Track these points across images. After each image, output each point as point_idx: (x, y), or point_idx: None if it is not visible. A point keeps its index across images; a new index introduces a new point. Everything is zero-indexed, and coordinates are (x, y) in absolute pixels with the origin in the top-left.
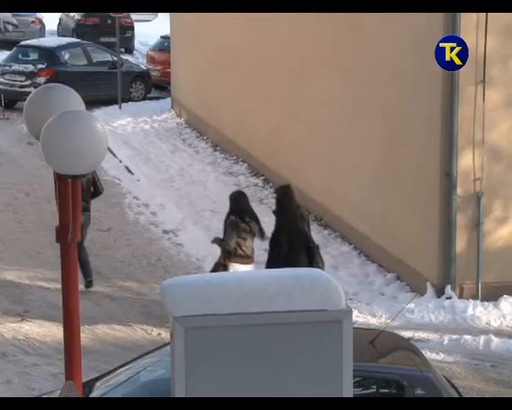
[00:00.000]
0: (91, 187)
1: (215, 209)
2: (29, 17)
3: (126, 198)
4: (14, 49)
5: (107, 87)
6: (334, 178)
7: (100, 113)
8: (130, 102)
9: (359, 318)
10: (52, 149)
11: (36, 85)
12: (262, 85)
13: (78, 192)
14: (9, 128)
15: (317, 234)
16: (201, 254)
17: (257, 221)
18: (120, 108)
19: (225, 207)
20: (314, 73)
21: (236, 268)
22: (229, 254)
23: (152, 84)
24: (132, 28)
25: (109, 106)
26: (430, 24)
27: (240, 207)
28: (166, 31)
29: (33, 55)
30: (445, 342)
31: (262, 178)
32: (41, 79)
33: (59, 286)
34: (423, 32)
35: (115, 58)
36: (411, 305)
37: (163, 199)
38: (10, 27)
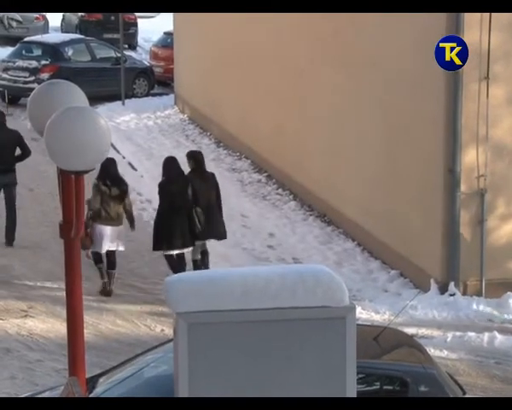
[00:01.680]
0: (16, 149)
1: None
2: (33, 14)
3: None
4: (18, 45)
5: (111, 83)
6: (337, 174)
7: (103, 109)
8: (133, 99)
9: (363, 314)
10: (55, 145)
11: (39, 81)
12: (265, 82)
13: (81, 188)
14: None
15: (320, 230)
16: None
17: (121, 187)
18: (124, 104)
19: (229, 203)
20: (317, 69)
21: (101, 229)
22: (94, 216)
23: (155, 80)
24: (136, 25)
25: (112, 102)
26: (433, 21)
27: (105, 173)
28: (170, 27)
29: (37, 52)
30: (449, 339)
31: (265, 174)
32: (44, 75)
33: (62, 282)
34: (426, 29)
35: (118, 54)
36: (415, 302)
37: None
38: (14, 23)
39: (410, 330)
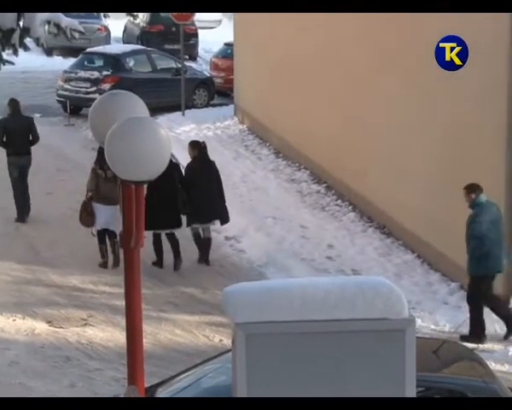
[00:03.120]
0: (29, 135)
1: (277, 216)
2: (95, 24)
3: None
4: (80, 56)
5: (171, 94)
6: (396, 185)
7: (163, 119)
8: (193, 109)
9: (422, 327)
10: (116, 155)
11: (101, 92)
12: (324, 91)
13: (141, 198)
14: (75, 134)
15: (379, 242)
16: (263, 260)
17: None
18: (184, 114)
19: (288, 214)
20: (377, 79)
21: (97, 207)
22: (92, 196)
23: (215, 90)
24: (196, 35)
25: (173, 112)
26: (496, 27)
27: (101, 158)
28: (230, 38)
29: (99, 62)
30: (510, 353)
31: (324, 185)
32: (106, 86)
33: (122, 291)
34: (488, 36)
35: (179, 65)
36: None
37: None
38: (77, 34)
39: (470, 344)
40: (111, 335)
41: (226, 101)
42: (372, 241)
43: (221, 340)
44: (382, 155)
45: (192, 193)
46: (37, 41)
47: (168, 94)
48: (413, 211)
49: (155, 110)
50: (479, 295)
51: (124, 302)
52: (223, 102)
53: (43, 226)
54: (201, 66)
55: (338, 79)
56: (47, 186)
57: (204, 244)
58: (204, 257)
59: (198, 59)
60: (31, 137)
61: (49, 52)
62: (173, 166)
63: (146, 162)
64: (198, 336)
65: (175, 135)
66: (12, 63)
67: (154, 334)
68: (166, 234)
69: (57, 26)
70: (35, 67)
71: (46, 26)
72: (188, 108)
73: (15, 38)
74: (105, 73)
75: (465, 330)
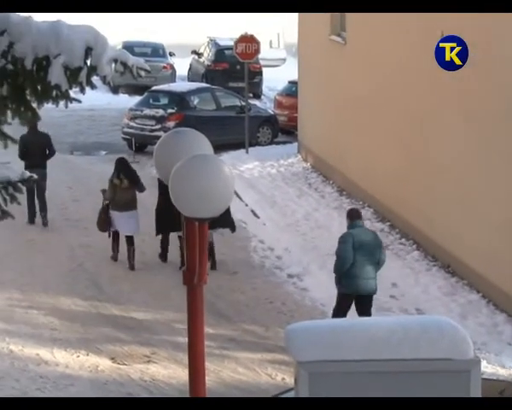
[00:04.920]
0: (46, 150)
1: None
2: (161, 63)
3: (252, 242)
4: (146, 94)
5: (235, 131)
6: (461, 224)
7: (227, 157)
8: (257, 147)
9: (488, 368)
10: (180, 192)
11: (166, 130)
12: (389, 129)
13: (205, 235)
14: (139, 171)
15: (444, 281)
16: (326, 299)
17: (131, 178)
18: (247, 152)
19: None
20: (440, 116)
21: (114, 215)
22: (110, 204)
23: (279, 128)
24: (261, 73)
25: (236, 150)
26: None
27: (118, 169)
28: (294, 76)
29: (164, 100)
30: None
31: (388, 223)
32: (171, 124)
33: (185, 327)
34: None
35: (243, 103)
36: None
37: (288, 243)
38: (143, 73)
39: None
40: (173, 372)
41: (290, 138)
42: (436, 280)
43: (283, 378)
44: (446, 193)
45: None
46: (103, 79)
47: (232, 132)
48: (479, 250)
49: (219, 148)
50: None
51: (186, 339)
52: (286, 140)
53: (104, 262)
54: (265, 104)
55: (402, 116)
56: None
57: (210, 249)
58: (211, 262)
59: (262, 97)
60: (47, 152)
61: (115, 90)
62: None
63: (210, 200)
64: (260, 374)
65: (238, 172)
66: (79, 101)
67: (217, 372)
68: (178, 236)
69: (124, 64)
70: (101, 105)
71: (113, 65)
72: (252, 145)
73: (82, 76)
74: (170, 110)
75: None
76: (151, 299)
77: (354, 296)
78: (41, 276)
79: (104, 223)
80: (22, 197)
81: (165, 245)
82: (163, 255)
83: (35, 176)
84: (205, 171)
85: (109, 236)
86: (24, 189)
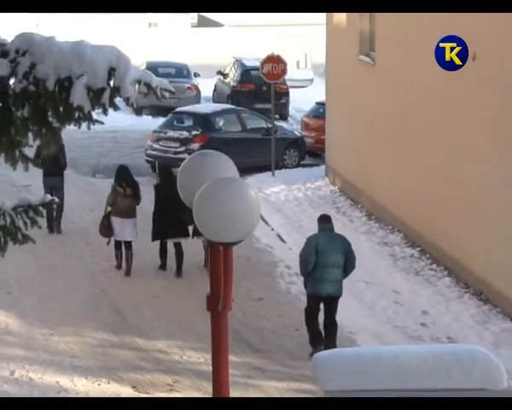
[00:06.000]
0: (62, 159)
1: (369, 280)
2: (185, 84)
3: (278, 267)
4: (170, 115)
5: (261, 154)
6: (494, 249)
7: (253, 180)
8: (283, 169)
9: None
10: (205, 215)
11: (190, 152)
12: (418, 152)
13: (230, 260)
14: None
15: (476, 309)
16: (355, 326)
17: (133, 187)
18: (274, 175)
19: (380, 278)
20: (470, 136)
21: (114, 221)
22: (112, 210)
23: (306, 150)
24: (287, 94)
25: (262, 173)
26: None
27: (119, 177)
28: (322, 97)
29: (188, 122)
30: None
31: (418, 248)
32: (195, 146)
33: (208, 355)
34: None
35: (269, 125)
36: None
37: None
38: (167, 94)
39: None
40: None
41: (317, 161)
42: (468, 307)
43: None
44: (479, 217)
45: None
46: (126, 100)
47: (258, 154)
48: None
49: (245, 170)
50: None
51: (210, 367)
52: (314, 163)
53: (126, 288)
54: (292, 125)
55: (432, 138)
56: (134, 245)
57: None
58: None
59: (289, 118)
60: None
61: (138, 111)
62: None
63: (234, 224)
64: None
65: (264, 196)
66: (101, 123)
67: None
68: (174, 243)
69: (147, 85)
70: (124, 127)
71: (136, 86)
72: (278, 168)
73: (105, 97)
74: (194, 132)
75: None
76: (173, 326)
77: (321, 298)
78: (61, 302)
79: (107, 229)
80: (42, 221)
81: (163, 254)
82: (162, 266)
83: (56, 199)
84: (230, 194)
85: (108, 243)
86: (44, 212)
